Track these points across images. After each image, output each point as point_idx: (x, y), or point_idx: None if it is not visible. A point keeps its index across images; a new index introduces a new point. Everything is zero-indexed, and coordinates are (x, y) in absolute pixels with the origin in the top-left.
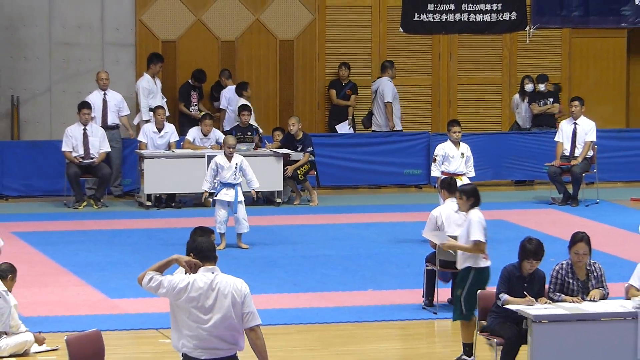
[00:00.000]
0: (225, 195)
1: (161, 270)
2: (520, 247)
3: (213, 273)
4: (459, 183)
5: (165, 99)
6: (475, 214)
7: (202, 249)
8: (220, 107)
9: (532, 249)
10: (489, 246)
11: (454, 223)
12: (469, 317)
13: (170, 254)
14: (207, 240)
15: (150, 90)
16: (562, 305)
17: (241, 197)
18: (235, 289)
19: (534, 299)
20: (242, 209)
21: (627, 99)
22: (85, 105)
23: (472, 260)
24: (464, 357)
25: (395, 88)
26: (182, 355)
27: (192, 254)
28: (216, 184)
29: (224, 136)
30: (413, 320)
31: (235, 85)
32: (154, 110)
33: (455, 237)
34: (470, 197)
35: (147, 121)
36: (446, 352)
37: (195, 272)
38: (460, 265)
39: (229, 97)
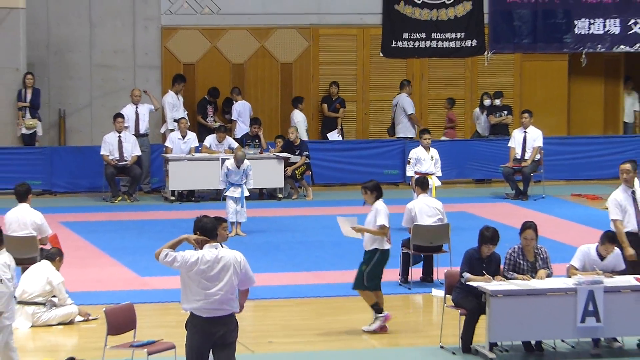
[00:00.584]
0: (234, 192)
1: (174, 247)
2: (480, 234)
3: (217, 249)
4: (430, 182)
5: (186, 112)
6: (381, 204)
7: (207, 228)
8: (232, 118)
9: (489, 235)
10: (454, 234)
11: (425, 214)
12: (370, 288)
13: None
14: (210, 220)
15: (174, 104)
16: (515, 282)
17: (246, 193)
18: (236, 261)
19: (491, 277)
20: (244, 202)
21: (568, 112)
22: (119, 115)
23: (378, 243)
24: (378, 315)
25: (412, 101)
26: (189, 313)
27: (198, 232)
28: (226, 184)
29: (236, 147)
30: (391, 295)
31: (244, 101)
32: (177, 120)
33: (426, 226)
34: (374, 191)
35: (172, 130)
36: (419, 320)
37: (202, 248)
38: (368, 246)
39: (239, 110)
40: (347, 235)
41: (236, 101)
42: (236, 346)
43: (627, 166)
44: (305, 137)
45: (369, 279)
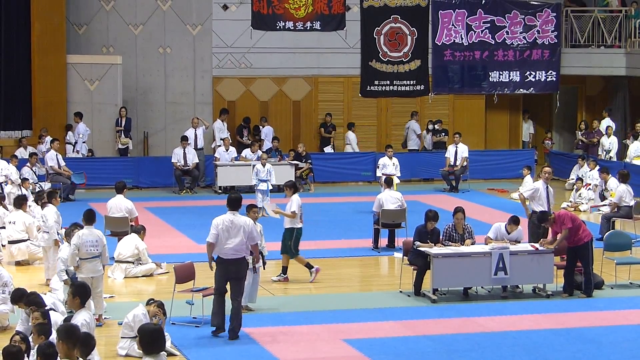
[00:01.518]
0: (262, 186)
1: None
2: (425, 215)
3: (234, 215)
4: (393, 180)
5: (229, 133)
6: (296, 197)
7: (230, 200)
8: (260, 138)
9: (432, 215)
10: (409, 215)
11: (389, 202)
12: (296, 255)
13: None
14: (236, 196)
15: (221, 128)
16: (450, 248)
17: (270, 187)
18: (245, 224)
19: (433, 244)
20: (268, 194)
21: (485, 134)
22: (184, 138)
23: (294, 223)
24: (282, 275)
25: (419, 125)
26: (217, 257)
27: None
28: (257, 181)
29: (262, 155)
30: (367, 256)
31: (268, 126)
32: (223, 139)
33: (390, 210)
34: (291, 187)
35: (220, 146)
36: (385, 273)
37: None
38: (287, 225)
39: (265, 133)
40: (271, 215)
41: (263, 126)
42: (245, 279)
43: (547, 169)
44: (357, 149)
45: (294, 250)
